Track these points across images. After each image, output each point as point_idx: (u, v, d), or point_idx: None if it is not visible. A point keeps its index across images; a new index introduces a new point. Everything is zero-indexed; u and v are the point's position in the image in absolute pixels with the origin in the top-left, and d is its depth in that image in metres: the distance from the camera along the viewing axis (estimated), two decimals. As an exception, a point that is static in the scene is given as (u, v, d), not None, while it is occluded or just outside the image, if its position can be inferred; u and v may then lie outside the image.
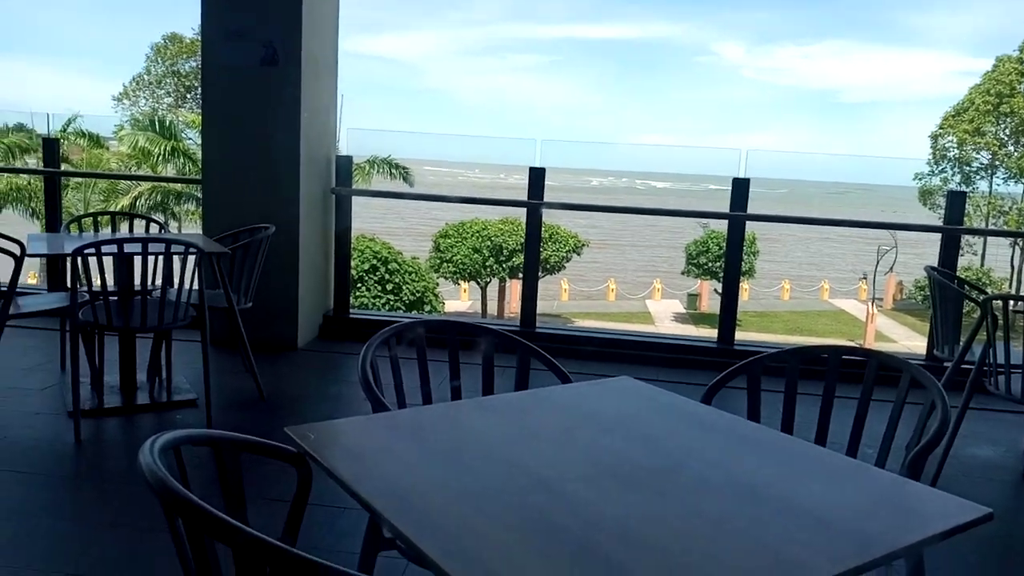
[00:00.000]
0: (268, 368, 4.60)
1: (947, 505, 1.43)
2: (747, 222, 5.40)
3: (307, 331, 5.41)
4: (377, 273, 16.74)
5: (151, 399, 4.13)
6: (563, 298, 30.19)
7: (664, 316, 29.33)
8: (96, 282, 3.85)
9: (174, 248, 3.69)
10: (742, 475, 1.49)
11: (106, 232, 4.94)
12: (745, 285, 28.61)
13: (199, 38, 5.20)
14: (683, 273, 28.55)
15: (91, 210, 19.97)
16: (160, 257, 3.67)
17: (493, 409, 1.74)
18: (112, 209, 19.51)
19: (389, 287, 16.85)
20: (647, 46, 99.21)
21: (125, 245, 3.65)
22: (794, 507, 1.37)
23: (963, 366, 3.84)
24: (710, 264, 25.90)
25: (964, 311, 4.38)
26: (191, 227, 21.87)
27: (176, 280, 3.79)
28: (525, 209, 5.63)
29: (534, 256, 5.68)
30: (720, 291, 5.70)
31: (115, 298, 3.83)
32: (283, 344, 5.20)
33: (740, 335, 5.53)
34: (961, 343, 3.95)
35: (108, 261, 3.65)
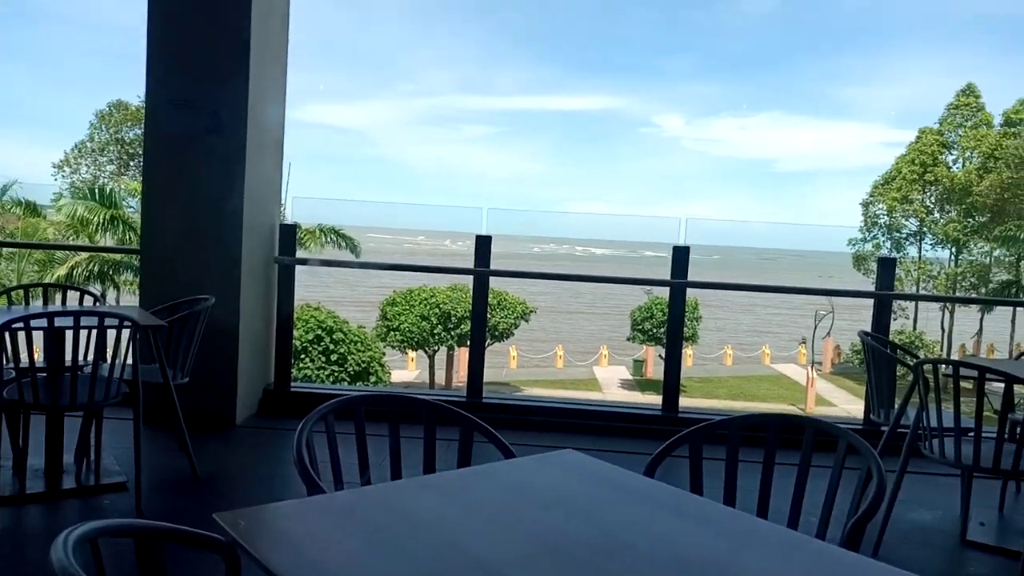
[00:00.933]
0: (204, 446, 4.44)
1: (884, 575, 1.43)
2: (688, 288, 5.51)
3: (246, 406, 5.26)
4: (322, 343, 16.47)
5: (78, 483, 3.92)
6: (512, 365, 30.12)
7: (611, 382, 29.44)
8: (24, 358, 3.70)
9: (107, 321, 3.58)
10: (685, 552, 1.48)
11: (38, 305, 4.78)
12: (688, 351, 29.02)
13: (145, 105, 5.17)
14: (629, 339, 28.85)
15: (25, 281, 19.38)
16: (93, 331, 3.55)
17: (433, 488, 1.70)
18: (48, 280, 18.95)
19: (334, 358, 16.57)
20: (592, 118, 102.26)
21: (56, 318, 3.53)
22: (736, 584, 1.36)
23: (899, 430, 3.92)
24: (654, 330, 26.24)
25: (899, 374, 4.51)
26: (131, 297, 21.32)
27: (109, 355, 3.66)
28: (472, 277, 5.64)
29: (481, 325, 5.67)
30: (663, 357, 5.76)
31: (43, 375, 3.68)
32: (221, 420, 5.04)
33: (685, 401, 5.57)
34: (896, 407, 4.05)
35: (40, 336, 3.52)
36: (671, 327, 5.61)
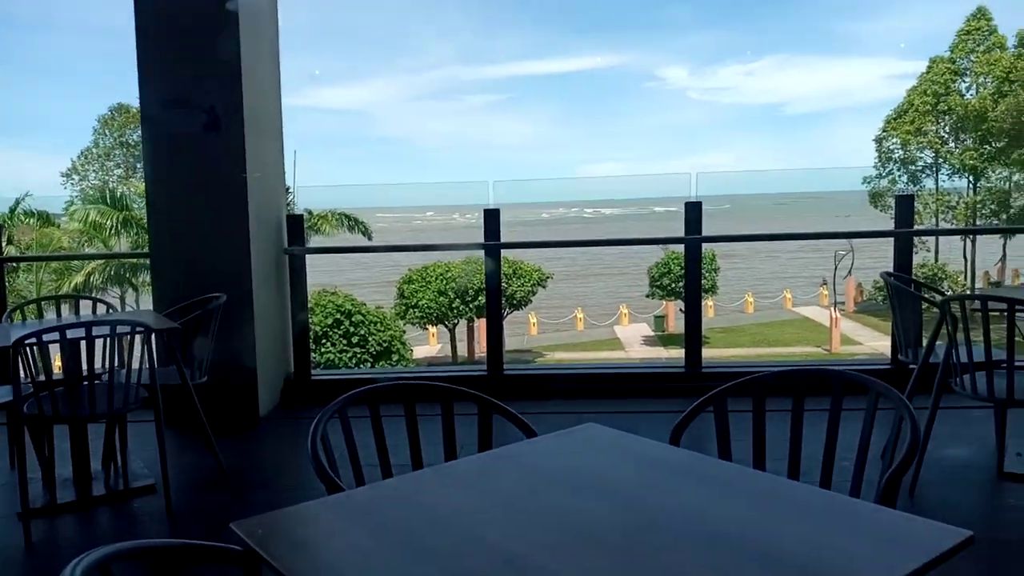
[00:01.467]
0: (229, 442, 4.45)
1: (927, 532, 1.38)
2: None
3: (268, 399, 5.27)
4: (341, 327, 16.53)
5: (107, 489, 3.94)
6: (532, 332, 30.15)
7: (633, 340, 29.41)
8: (41, 371, 3.70)
9: (120, 329, 3.57)
10: (717, 524, 1.43)
11: (52, 317, 4.78)
12: (709, 302, 28.87)
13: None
14: (648, 296, 28.74)
15: (43, 288, 19.57)
16: (107, 340, 3.54)
17: (453, 477, 1.66)
18: (65, 287, 19.11)
19: (355, 340, 16.63)
20: (594, 77, 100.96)
21: (68, 331, 3.51)
22: (774, 554, 1.31)
23: (929, 364, 3.85)
24: (673, 285, 26.10)
25: (924, 308, 4.42)
26: (150, 298, 21.50)
27: (125, 361, 3.66)
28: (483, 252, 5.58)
29: (496, 299, 5.62)
30: (684, 311, 5.69)
31: (62, 387, 3.68)
32: (244, 415, 5.05)
33: (708, 352, 5.53)
34: (924, 345, 3.97)
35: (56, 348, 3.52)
36: (688, 284, 5.53)
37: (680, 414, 2.09)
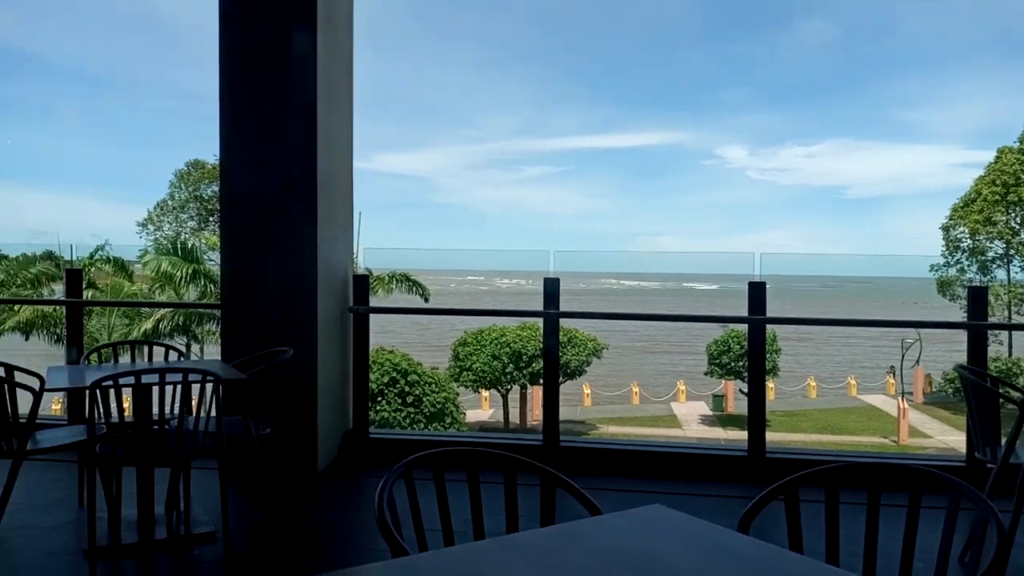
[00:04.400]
0: (289, 495, 4.48)
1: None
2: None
3: (327, 454, 5.31)
4: (397, 386, 16.62)
5: (169, 534, 4.01)
6: (586, 403, 29.79)
7: (691, 419, 28.77)
8: (115, 414, 3.82)
9: (191, 377, 3.67)
10: (790, 619, 1.38)
11: (126, 361, 4.95)
12: (770, 384, 28.17)
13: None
14: (706, 373, 28.21)
15: (115, 333, 20.27)
16: (177, 386, 3.65)
17: (517, 550, 1.64)
18: (135, 333, 19.78)
19: (409, 399, 16.68)
20: (653, 153, 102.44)
21: (143, 376, 3.63)
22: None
23: (1009, 464, 3.67)
24: (733, 363, 25.60)
25: (1001, 403, 4.24)
26: (212, 348, 22.06)
27: (193, 409, 3.75)
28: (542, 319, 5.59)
29: (553, 368, 5.60)
30: (745, 392, 5.56)
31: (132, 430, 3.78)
32: (303, 468, 5.10)
33: (770, 436, 5.36)
34: (1003, 443, 3.80)
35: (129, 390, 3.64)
36: (752, 365, 5.42)
37: (743, 500, 2.04)
